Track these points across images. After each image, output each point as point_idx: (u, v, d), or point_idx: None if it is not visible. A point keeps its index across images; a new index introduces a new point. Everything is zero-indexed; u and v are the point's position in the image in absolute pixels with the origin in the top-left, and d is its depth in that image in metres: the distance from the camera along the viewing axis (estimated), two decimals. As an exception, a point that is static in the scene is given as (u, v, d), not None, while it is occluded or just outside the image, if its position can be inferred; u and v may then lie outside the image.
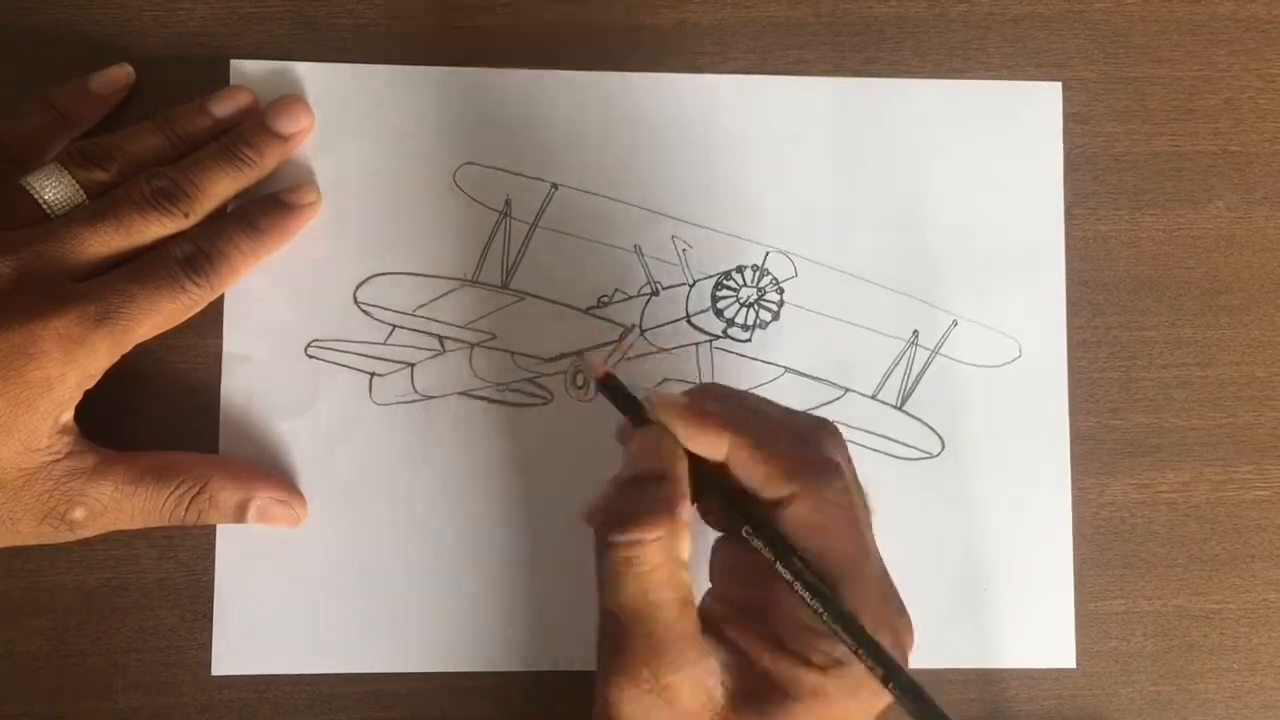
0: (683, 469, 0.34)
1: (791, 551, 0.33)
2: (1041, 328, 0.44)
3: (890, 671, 0.32)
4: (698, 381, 0.43)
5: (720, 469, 0.34)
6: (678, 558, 0.33)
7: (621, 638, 0.33)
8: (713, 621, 0.35)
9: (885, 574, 0.35)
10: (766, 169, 0.44)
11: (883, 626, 0.33)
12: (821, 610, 0.33)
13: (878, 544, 0.35)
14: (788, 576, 0.33)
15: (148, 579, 0.42)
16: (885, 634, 0.33)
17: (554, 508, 0.42)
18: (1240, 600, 0.44)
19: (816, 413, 0.43)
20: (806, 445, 0.34)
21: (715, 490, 0.34)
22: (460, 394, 0.42)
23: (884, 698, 0.33)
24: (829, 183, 0.44)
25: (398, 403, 0.42)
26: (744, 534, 0.34)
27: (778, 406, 0.36)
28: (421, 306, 0.43)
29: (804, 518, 0.33)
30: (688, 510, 0.33)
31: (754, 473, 0.34)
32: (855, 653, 0.32)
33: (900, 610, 0.35)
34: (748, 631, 0.34)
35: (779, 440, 0.34)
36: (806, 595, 0.33)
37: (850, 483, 0.34)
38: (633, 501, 0.33)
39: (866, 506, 0.35)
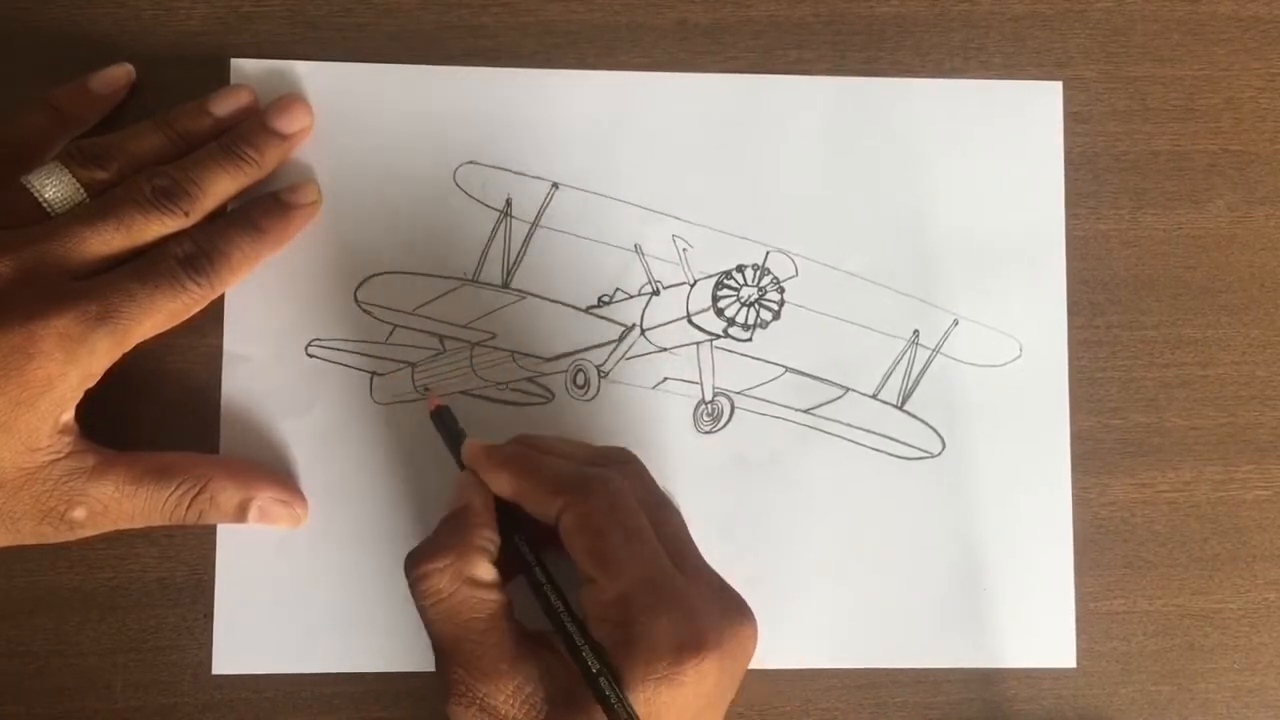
0: (483, 503, 0.37)
1: (536, 562, 0.37)
2: (1042, 327, 0.44)
3: (589, 677, 0.34)
4: (698, 381, 0.43)
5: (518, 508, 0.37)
6: (474, 579, 0.36)
7: (441, 662, 0.36)
8: (536, 633, 0.37)
9: (679, 567, 0.36)
10: (767, 168, 0.44)
11: (657, 615, 0.34)
12: (554, 611, 0.36)
13: (684, 542, 0.38)
14: (536, 579, 0.37)
15: (148, 579, 0.42)
16: (660, 620, 0.34)
17: (554, 507, 0.42)
18: (1241, 600, 0.44)
19: (817, 412, 0.43)
20: (576, 471, 0.37)
21: (509, 527, 0.38)
22: (461, 393, 0.42)
23: (705, 670, 0.34)
24: (830, 182, 0.44)
25: (398, 402, 0.42)
26: (515, 543, 0.37)
27: (579, 445, 0.40)
28: (422, 306, 0.43)
29: (569, 523, 0.36)
30: (483, 538, 0.37)
31: (531, 500, 0.37)
32: (572, 652, 0.35)
33: (708, 601, 0.36)
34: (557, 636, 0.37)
35: (549, 469, 0.37)
36: (550, 597, 0.36)
37: (622, 497, 0.36)
38: (432, 539, 0.37)
39: (661, 513, 0.37)
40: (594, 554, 0.35)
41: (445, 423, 0.40)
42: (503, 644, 0.36)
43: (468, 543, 0.36)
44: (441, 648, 0.36)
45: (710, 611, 0.35)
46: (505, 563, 0.37)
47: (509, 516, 0.38)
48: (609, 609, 0.35)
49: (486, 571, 0.36)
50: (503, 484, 0.37)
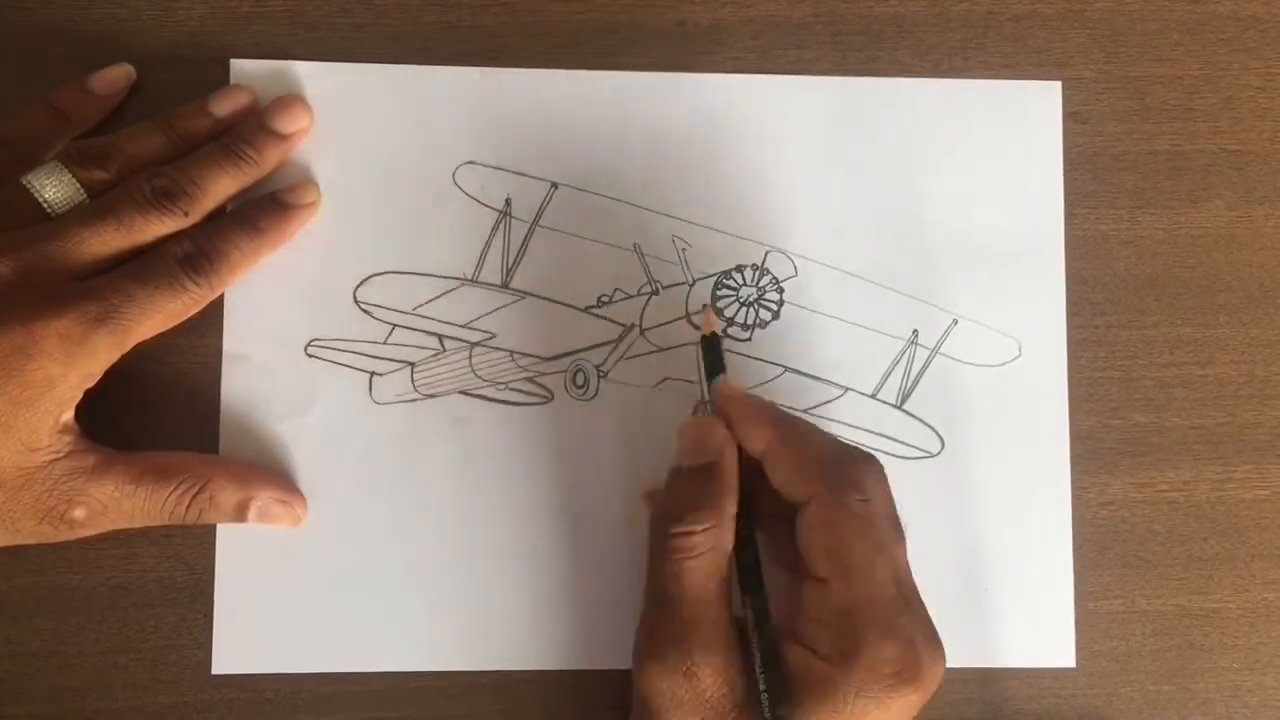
0: (732, 461, 0.36)
1: (753, 545, 0.36)
2: (1041, 327, 0.44)
3: (773, 701, 0.34)
4: (698, 381, 0.43)
5: (752, 473, 0.36)
6: (722, 548, 0.35)
7: (662, 618, 0.35)
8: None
9: (907, 595, 0.35)
10: (766, 168, 0.44)
11: (886, 638, 0.34)
12: (749, 605, 0.35)
13: (908, 571, 0.36)
14: (742, 561, 0.36)
15: (148, 578, 0.42)
16: (888, 645, 0.34)
17: (554, 506, 0.42)
18: (1240, 600, 0.44)
19: (816, 412, 0.43)
20: (836, 460, 0.36)
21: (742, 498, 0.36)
22: (460, 393, 0.42)
23: (910, 701, 0.34)
24: (829, 182, 0.44)
25: (398, 402, 0.42)
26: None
27: (828, 434, 0.38)
28: (421, 306, 0.43)
29: (818, 517, 0.35)
30: (734, 503, 0.36)
31: (783, 471, 0.36)
32: (758, 672, 0.34)
33: (927, 637, 0.35)
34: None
35: (811, 446, 0.36)
36: (745, 593, 0.35)
37: (876, 507, 0.35)
38: (687, 493, 0.36)
39: (898, 536, 0.36)
40: (835, 556, 0.34)
41: (713, 352, 0.38)
42: (723, 618, 0.35)
43: (725, 508, 0.35)
44: (669, 607, 0.35)
45: (925, 646, 0.35)
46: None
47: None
48: (835, 616, 0.34)
49: (729, 539, 0.35)
50: (759, 442, 0.36)
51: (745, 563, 0.36)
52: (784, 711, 0.34)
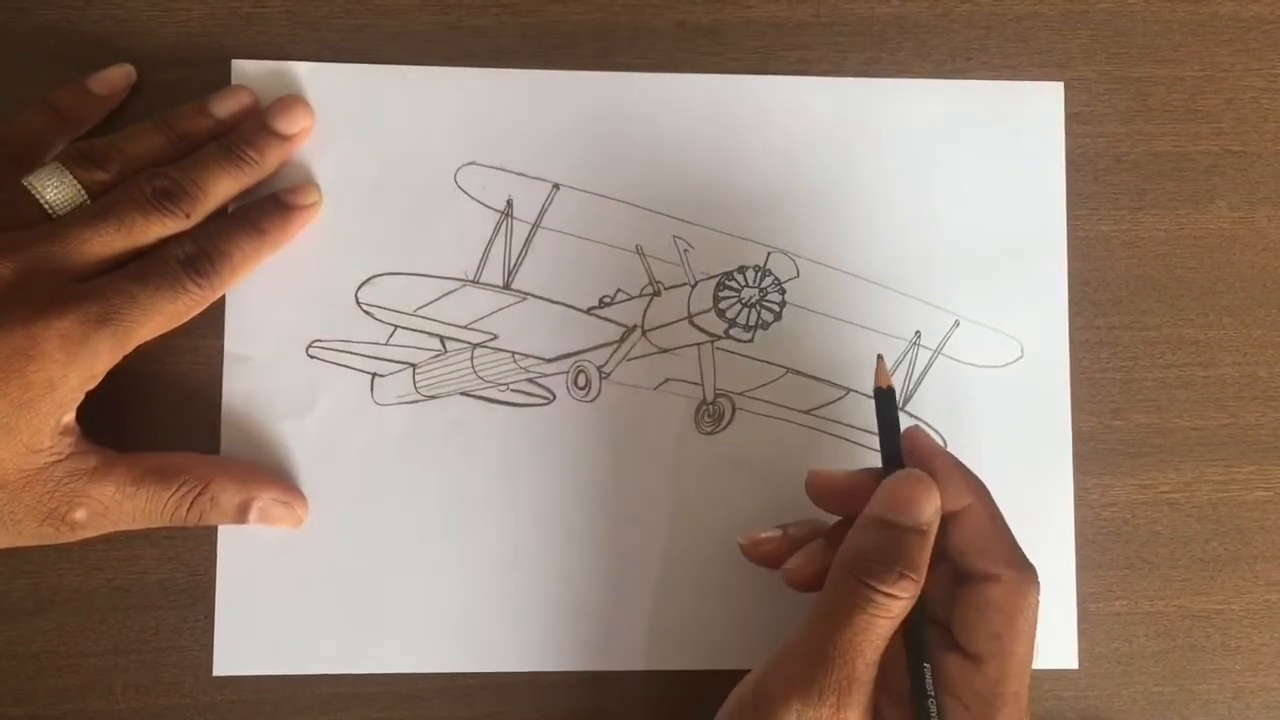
0: (936, 523, 0.35)
1: (924, 646, 0.35)
2: (1043, 328, 0.44)
3: None
4: (699, 382, 0.43)
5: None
6: (903, 615, 0.35)
7: (820, 664, 0.34)
8: None
9: (1029, 703, 0.36)
10: (768, 169, 0.43)
11: None
12: (916, 676, 0.35)
13: (1028, 682, 0.36)
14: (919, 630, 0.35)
15: (149, 579, 0.42)
16: None
17: (555, 508, 0.42)
18: (1242, 601, 0.44)
19: (818, 414, 0.43)
20: (1022, 551, 0.36)
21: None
22: (462, 394, 0.42)
23: None
24: (831, 183, 0.44)
25: (399, 403, 0.42)
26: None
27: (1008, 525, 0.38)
28: (423, 307, 0.42)
29: (1001, 598, 0.34)
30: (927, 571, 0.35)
31: (978, 541, 0.35)
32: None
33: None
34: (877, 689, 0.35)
35: (1006, 526, 0.36)
36: (916, 666, 0.35)
37: (1038, 606, 0.35)
38: (897, 552, 0.34)
39: (1032, 648, 0.36)
40: (999, 640, 0.34)
41: (888, 407, 0.38)
42: (873, 679, 0.35)
43: (923, 577, 0.34)
44: (834, 659, 0.34)
45: None
46: None
47: None
48: (978, 699, 0.34)
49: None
50: (960, 502, 0.35)
51: (914, 632, 0.36)
52: None
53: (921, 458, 0.36)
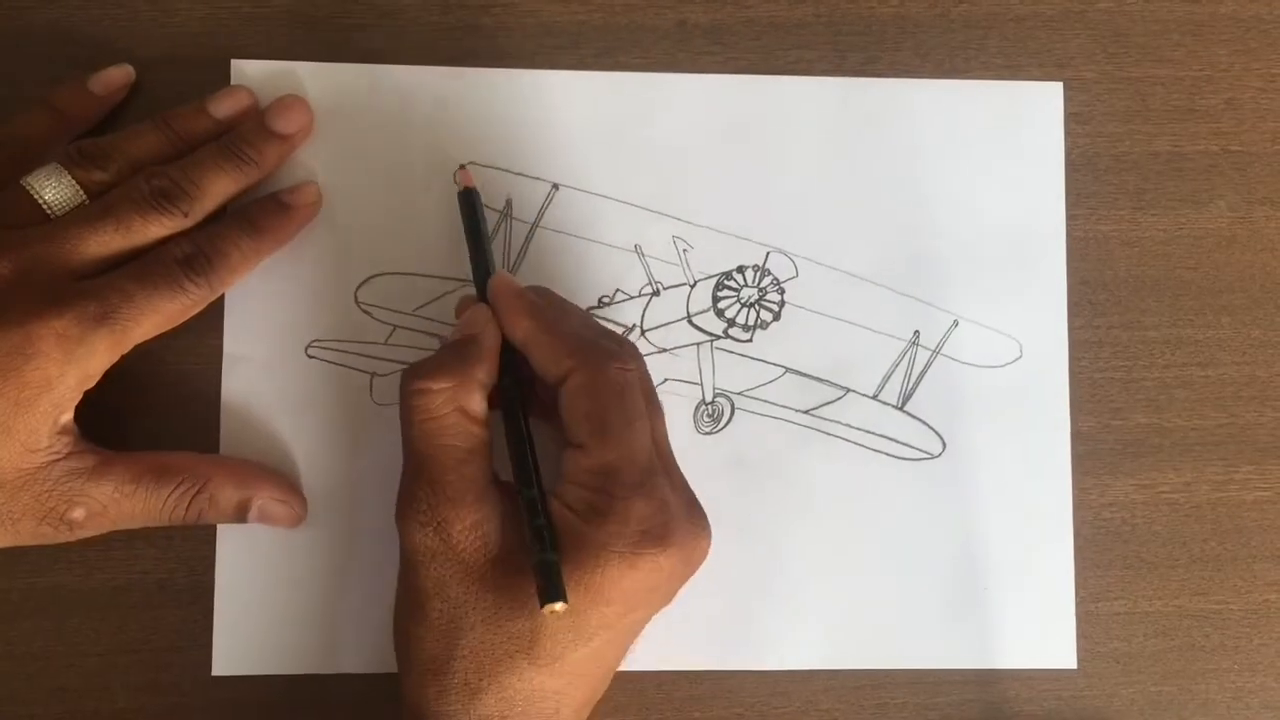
0: (493, 340, 0.38)
1: (520, 416, 0.38)
2: (1042, 328, 0.44)
3: (539, 541, 0.35)
4: (698, 382, 0.43)
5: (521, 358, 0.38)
6: (466, 410, 0.37)
7: (410, 478, 0.37)
8: (504, 483, 0.38)
9: (666, 465, 0.38)
10: (767, 169, 0.44)
11: (637, 497, 0.35)
12: (525, 462, 0.37)
13: (668, 446, 0.39)
14: (517, 428, 0.37)
15: (148, 579, 0.42)
16: (639, 503, 0.35)
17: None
18: (1241, 601, 0.44)
19: (817, 413, 0.43)
20: (594, 337, 0.38)
21: (507, 372, 0.38)
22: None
23: (659, 565, 0.35)
24: (830, 183, 0.44)
25: (399, 403, 0.42)
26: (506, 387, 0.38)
27: (586, 315, 0.41)
28: (422, 306, 0.43)
29: (578, 384, 0.36)
30: (485, 373, 0.37)
31: (542, 352, 0.37)
32: (530, 523, 0.36)
33: (684, 504, 0.37)
34: None
35: (568, 327, 0.38)
36: (525, 448, 0.37)
37: (633, 378, 0.37)
38: (435, 358, 0.37)
39: (657, 409, 0.38)
40: (593, 420, 0.36)
41: (473, 210, 0.40)
42: (475, 478, 0.36)
43: (470, 373, 0.37)
44: (415, 465, 0.37)
45: (679, 513, 0.36)
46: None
47: (505, 361, 0.38)
48: (590, 476, 0.36)
49: (479, 405, 0.37)
50: (520, 331, 0.38)
51: (512, 427, 0.37)
52: (547, 555, 0.35)
53: (491, 296, 0.39)
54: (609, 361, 0.37)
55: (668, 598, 0.38)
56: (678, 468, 0.38)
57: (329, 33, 0.43)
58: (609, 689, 0.40)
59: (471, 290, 0.40)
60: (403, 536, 0.37)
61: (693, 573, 0.38)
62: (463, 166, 0.41)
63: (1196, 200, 0.44)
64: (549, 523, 0.36)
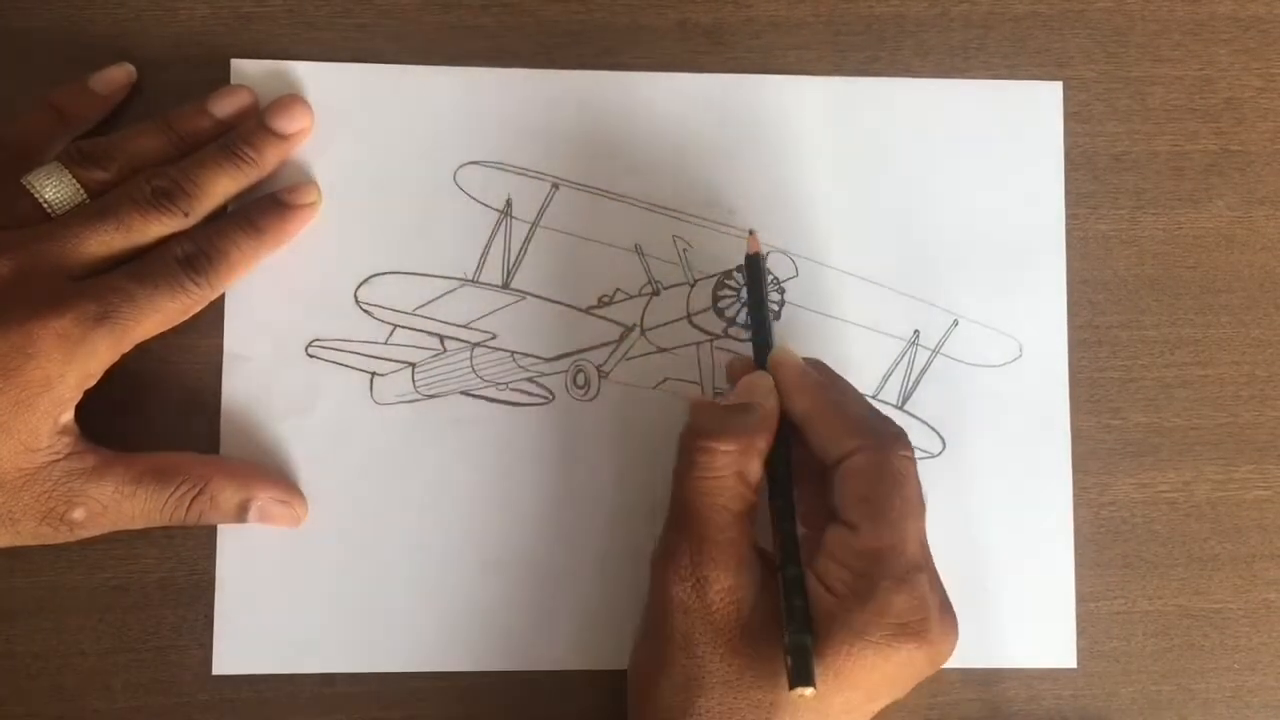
0: (774, 409, 0.38)
1: (790, 491, 0.38)
2: (1042, 327, 0.44)
3: (795, 621, 0.35)
4: (698, 382, 0.43)
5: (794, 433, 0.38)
6: (744, 476, 0.37)
7: (675, 524, 0.37)
8: (764, 551, 0.38)
9: (927, 559, 0.37)
10: (767, 168, 0.44)
11: (900, 589, 0.35)
12: (782, 541, 0.37)
13: (926, 540, 0.37)
14: (783, 500, 0.37)
15: (148, 579, 0.42)
16: (901, 595, 0.35)
17: (555, 507, 0.42)
18: (1241, 600, 0.44)
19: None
20: (881, 420, 0.38)
21: (780, 444, 0.38)
22: (461, 394, 0.42)
23: (913, 659, 0.35)
24: (830, 182, 0.44)
25: (399, 402, 0.42)
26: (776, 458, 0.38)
27: (866, 400, 0.40)
28: (422, 306, 0.43)
29: (857, 465, 0.36)
30: (765, 441, 0.37)
31: (825, 428, 0.37)
32: (788, 601, 0.36)
33: (941, 603, 0.37)
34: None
35: (854, 408, 0.38)
36: (789, 522, 0.37)
37: (913, 470, 0.37)
38: (721, 418, 0.37)
39: (923, 508, 0.37)
40: (868, 503, 0.36)
41: (757, 275, 0.40)
42: (740, 543, 0.37)
43: (754, 440, 0.37)
44: (684, 519, 0.37)
45: (935, 612, 0.36)
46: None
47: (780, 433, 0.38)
48: (856, 558, 0.35)
49: (757, 472, 0.37)
50: (802, 406, 0.38)
51: (781, 503, 0.37)
52: (803, 638, 0.35)
53: (774, 368, 0.39)
54: (894, 446, 0.36)
55: (905, 691, 0.37)
56: (935, 566, 0.37)
57: (329, 33, 0.43)
58: (612, 686, 0.40)
59: (734, 354, 0.42)
60: (658, 584, 0.37)
61: (934, 672, 0.37)
62: (752, 232, 0.41)
63: (1196, 200, 0.45)
64: (806, 603, 0.35)
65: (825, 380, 0.39)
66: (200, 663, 0.41)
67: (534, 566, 0.42)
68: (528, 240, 0.43)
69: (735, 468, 0.36)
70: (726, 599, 0.36)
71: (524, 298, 0.43)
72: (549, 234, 0.43)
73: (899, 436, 0.37)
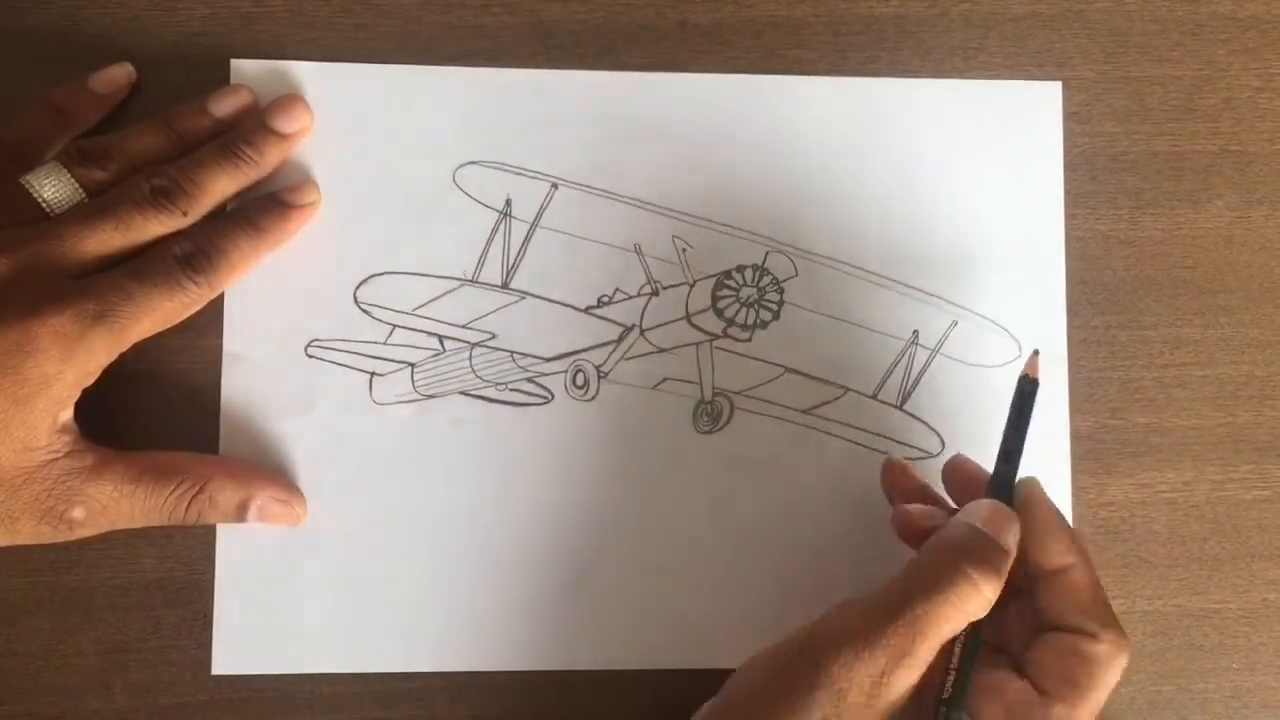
0: (1014, 551, 0.37)
1: (980, 633, 0.36)
2: (1041, 327, 0.44)
3: None
4: (697, 381, 0.43)
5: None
6: (977, 617, 0.36)
7: (893, 624, 0.35)
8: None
9: None
10: (767, 168, 0.44)
11: (1107, 680, 0.36)
12: (957, 680, 0.36)
13: None
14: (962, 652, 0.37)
15: (148, 579, 0.42)
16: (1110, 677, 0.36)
17: (554, 507, 0.42)
18: (1240, 600, 0.44)
19: (816, 413, 0.43)
20: (1114, 612, 0.37)
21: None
22: (460, 394, 0.42)
23: None
24: (829, 182, 0.44)
25: (398, 402, 0.42)
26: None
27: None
28: (421, 306, 0.43)
29: (1093, 654, 0.36)
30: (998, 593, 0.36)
31: (1080, 598, 0.36)
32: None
33: None
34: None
35: (1100, 587, 0.37)
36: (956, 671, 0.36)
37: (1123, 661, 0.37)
38: (991, 554, 0.36)
39: (1101, 704, 0.37)
40: (1076, 688, 0.36)
41: (1025, 400, 0.39)
42: (920, 674, 0.35)
43: (1001, 582, 0.36)
44: (906, 626, 0.35)
45: None
46: None
47: None
48: (1079, 660, 0.36)
49: (983, 615, 0.36)
50: (1058, 559, 0.37)
51: (968, 650, 0.37)
52: None
53: (1029, 505, 0.38)
54: (1128, 654, 0.36)
55: None
56: None
57: (329, 33, 0.43)
58: (613, 685, 0.40)
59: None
60: (839, 660, 0.35)
61: None
62: (1036, 353, 0.39)
63: (1195, 200, 0.45)
64: None
65: (1081, 539, 0.38)
66: (199, 663, 0.41)
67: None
68: (527, 240, 0.43)
69: (981, 611, 0.35)
70: (886, 705, 0.35)
71: (523, 298, 0.43)
72: (548, 234, 0.43)
73: (1129, 643, 0.37)
